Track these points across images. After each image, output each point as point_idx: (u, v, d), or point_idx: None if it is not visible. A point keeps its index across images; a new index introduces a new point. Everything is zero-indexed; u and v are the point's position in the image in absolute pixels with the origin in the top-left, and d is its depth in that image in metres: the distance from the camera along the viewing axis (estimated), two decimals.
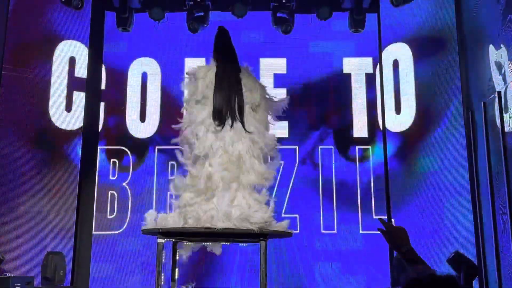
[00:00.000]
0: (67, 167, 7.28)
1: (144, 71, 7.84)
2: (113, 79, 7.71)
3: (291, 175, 7.38)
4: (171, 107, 7.22)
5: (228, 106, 4.21)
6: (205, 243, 4.36)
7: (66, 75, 7.54)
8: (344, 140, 7.59)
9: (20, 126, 7.16)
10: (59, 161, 7.33)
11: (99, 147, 7.32)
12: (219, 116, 4.17)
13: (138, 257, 7.25)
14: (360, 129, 7.58)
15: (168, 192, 5.55)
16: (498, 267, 5.74)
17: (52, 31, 7.50)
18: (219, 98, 4.23)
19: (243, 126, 4.18)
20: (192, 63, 6.31)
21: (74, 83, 7.56)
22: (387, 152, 6.87)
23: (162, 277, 4.09)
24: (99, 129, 7.31)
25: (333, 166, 7.45)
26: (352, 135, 7.59)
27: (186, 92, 4.45)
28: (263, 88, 4.47)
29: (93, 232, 6.93)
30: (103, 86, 7.50)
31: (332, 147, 7.55)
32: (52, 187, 7.16)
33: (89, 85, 7.22)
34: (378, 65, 7.23)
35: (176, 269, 4.38)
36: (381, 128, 7.05)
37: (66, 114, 7.49)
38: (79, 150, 7.08)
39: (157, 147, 7.55)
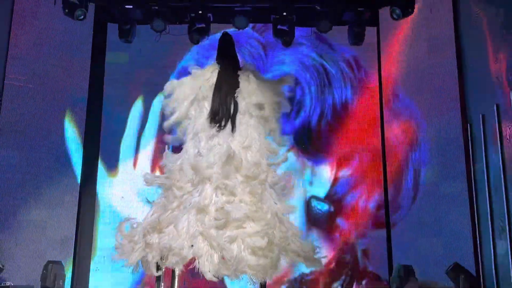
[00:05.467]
0: (68, 174, 7.07)
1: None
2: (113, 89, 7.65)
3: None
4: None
5: (224, 107, 4.19)
6: None
7: None
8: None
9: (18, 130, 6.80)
10: (60, 168, 7.05)
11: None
12: (215, 118, 4.16)
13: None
14: None
15: None
16: (497, 279, 5.73)
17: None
18: (217, 99, 4.21)
19: (232, 128, 4.14)
20: None
21: None
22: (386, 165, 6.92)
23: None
24: (100, 136, 7.34)
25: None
26: None
27: (186, 93, 4.31)
28: (269, 90, 4.34)
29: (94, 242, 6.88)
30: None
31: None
32: (52, 194, 6.87)
33: (91, 90, 7.36)
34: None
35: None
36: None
37: None
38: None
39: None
